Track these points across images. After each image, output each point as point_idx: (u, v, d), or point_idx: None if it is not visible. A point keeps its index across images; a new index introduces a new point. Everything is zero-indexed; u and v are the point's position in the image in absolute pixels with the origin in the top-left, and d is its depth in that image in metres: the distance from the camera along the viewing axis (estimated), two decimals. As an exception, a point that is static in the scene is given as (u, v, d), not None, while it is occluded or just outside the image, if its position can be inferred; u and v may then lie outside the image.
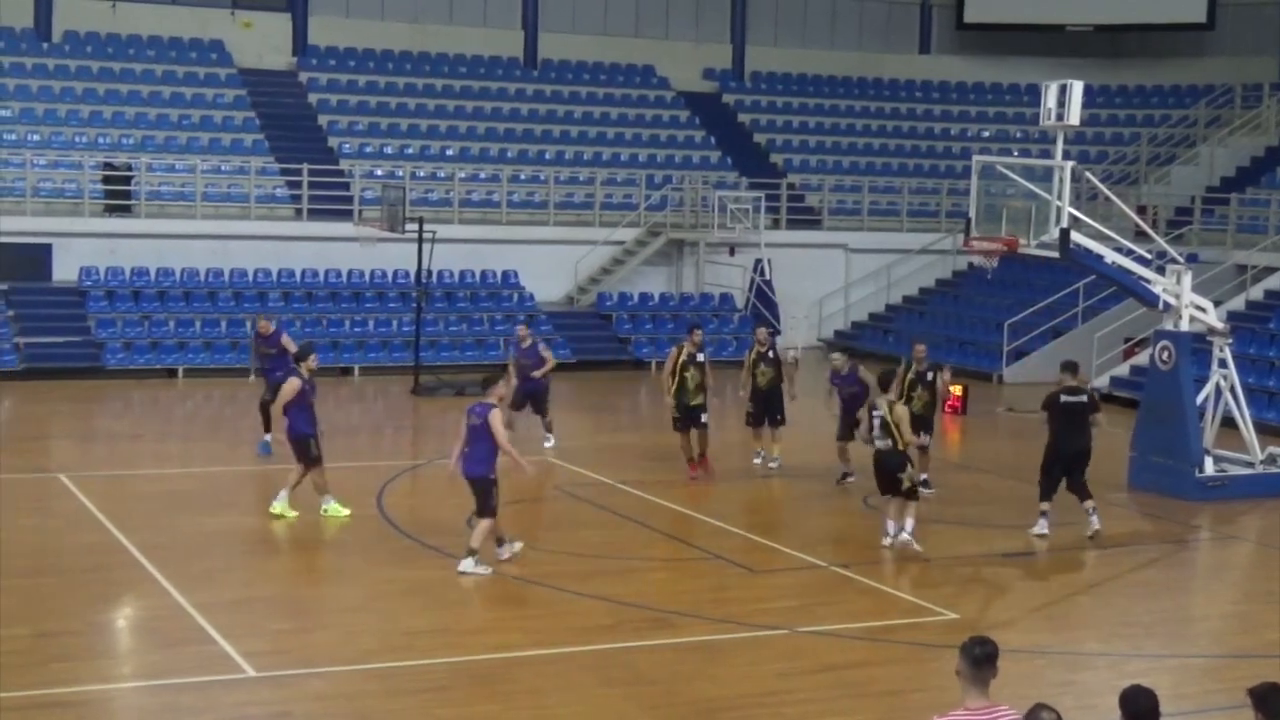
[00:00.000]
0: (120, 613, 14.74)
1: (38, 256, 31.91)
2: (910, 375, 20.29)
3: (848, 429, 20.28)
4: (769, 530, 18.27)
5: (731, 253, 36.61)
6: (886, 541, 17.36)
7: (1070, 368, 18.95)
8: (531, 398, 23.39)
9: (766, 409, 22.26)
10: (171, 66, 37.60)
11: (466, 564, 15.79)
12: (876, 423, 17.00)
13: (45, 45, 37.20)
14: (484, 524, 15.91)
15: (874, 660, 13.52)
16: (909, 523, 17.21)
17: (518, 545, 16.48)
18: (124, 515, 17.88)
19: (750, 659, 13.44)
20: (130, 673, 13.05)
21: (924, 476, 19.83)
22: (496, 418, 15.81)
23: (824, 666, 13.32)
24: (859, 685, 12.93)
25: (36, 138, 34.33)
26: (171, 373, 30.07)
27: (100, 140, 34.82)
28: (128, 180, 33.48)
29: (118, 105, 36.04)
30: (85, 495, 19.08)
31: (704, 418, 21.21)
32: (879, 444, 17.05)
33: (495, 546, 16.27)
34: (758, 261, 35.83)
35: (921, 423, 19.59)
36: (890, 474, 17.14)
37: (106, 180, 33.43)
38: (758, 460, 22.37)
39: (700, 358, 21.16)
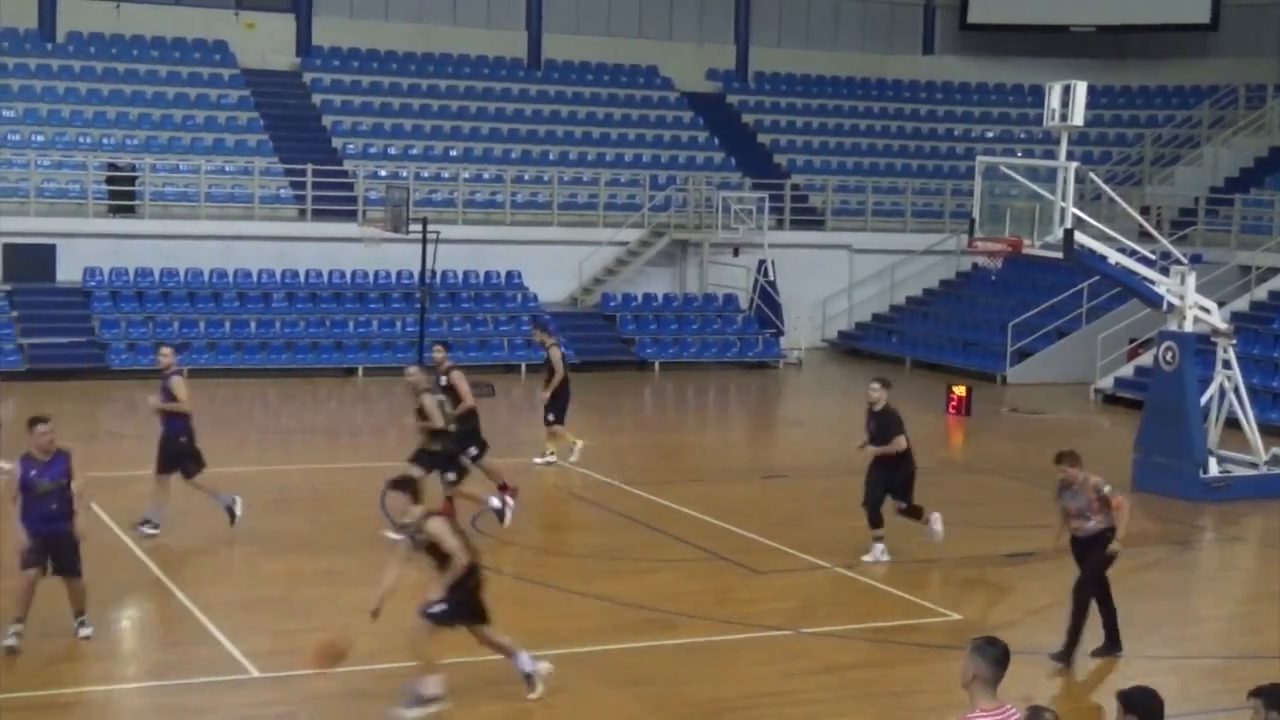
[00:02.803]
0: (124, 613, 14.75)
1: (42, 257, 31.93)
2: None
3: None
4: (772, 531, 18.25)
5: (735, 253, 36.60)
6: None
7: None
8: None
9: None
10: (175, 67, 37.62)
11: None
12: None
13: (50, 46, 37.22)
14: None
15: (877, 661, 13.52)
16: None
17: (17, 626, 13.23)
18: (127, 516, 17.88)
19: (753, 660, 13.45)
20: (134, 673, 13.07)
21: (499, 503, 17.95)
22: None
23: (827, 667, 13.32)
24: (862, 686, 12.93)
25: (41, 138, 34.35)
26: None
27: (104, 141, 34.83)
28: (132, 181, 33.53)
29: (122, 106, 36.06)
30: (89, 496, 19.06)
31: (450, 476, 17.71)
32: None
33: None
34: (761, 262, 35.83)
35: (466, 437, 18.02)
36: None
37: (110, 181, 33.46)
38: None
39: (444, 380, 18.13)
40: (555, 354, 21.96)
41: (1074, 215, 21.01)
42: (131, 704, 12.33)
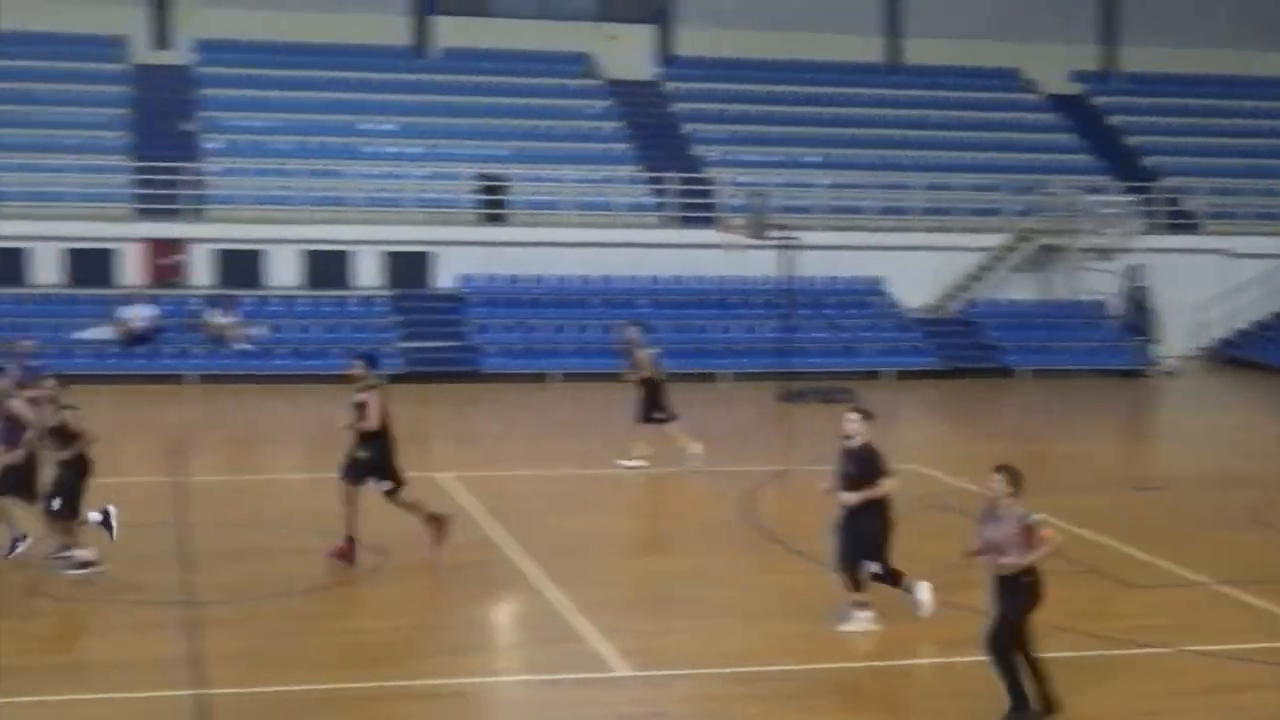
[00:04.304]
0: (496, 609, 15.13)
1: (420, 264, 33.24)
2: None
3: None
4: (1144, 544, 17.56)
5: (1104, 259, 35.48)
6: None
7: None
8: None
9: None
10: (542, 80, 38.63)
11: None
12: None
13: (423, 62, 38.70)
14: None
15: (1260, 684, 12.84)
16: None
17: None
18: (498, 514, 18.37)
19: (1132, 676, 12.94)
20: (506, 667, 13.38)
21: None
22: None
23: (1211, 688, 12.72)
24: (1250, 709, 12.29)
25: (417, 151, 35.72)
26: (542, 377, 30.81)
27: (477, 152, 35.98)
28: (502, 190, 34.61)
29: (492, 118, 37.21)
30: (462, 495, 19.68)
31: (376, 483, 16.02)
32: None
33: None
34: (1133, 268, 34.68)
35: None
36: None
37: (483, 191, 34.62)
38: None
39: (359, 397, 15.91)
40: (643, 355, 21.66)
41: None
42: (508, 697, 12.62)
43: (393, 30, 38.81)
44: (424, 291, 33.28)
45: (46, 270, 32.56)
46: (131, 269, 32.82)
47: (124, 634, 13.56)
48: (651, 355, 21.85)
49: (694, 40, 40.67)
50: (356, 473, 15.82)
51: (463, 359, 31.20)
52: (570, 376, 30.62)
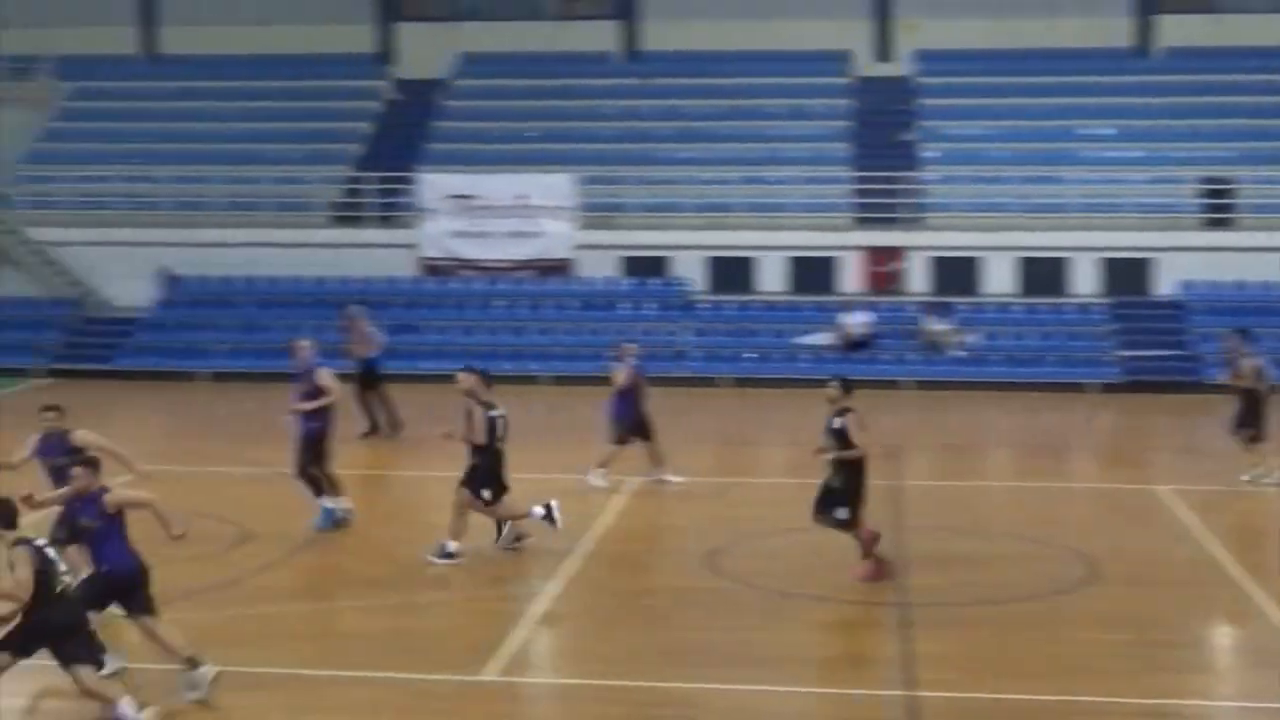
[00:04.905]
0: (1213, 628, 14.56)
1: (1139, 271, 32.46)
2: None
3: None
4: None
5: None
6: None
7: None
8: None
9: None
10: (1272, 77, 36.65)
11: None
12: None
13: (1145, 62, 37.66)
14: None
15: None
16: None
17: None
18: (1219, 531, 17.65)
19: None
20: (1228, 692, 12.81)
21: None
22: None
23: None
24: None
25: (1138, 154, 34.84)
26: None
27: (1200, 154, 34.66)
28: (1228, 194, 33.21)
29: (1217, 119, 35.72)
30: (1183, 509, 19.01)
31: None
32: None
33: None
34: None
35: None
36: None
37: (1206, 194, 33.37)
38: None
39: (837, 422, 15.60)
40: (1246, 365, 20.55)
41: None
42: (1227, 721, 12.13)
43: (1114, 31, 37.94)
44: (1143, 299, 32.40)
45: (772, 278, 34.07)
46: (851, 276, 33.82)
47: (839, 632, 14.02)
48: (1257, 366, 20.80)
49: None
50: (827, 505, 15.39)
51: (1184, 369, 30.14)
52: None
